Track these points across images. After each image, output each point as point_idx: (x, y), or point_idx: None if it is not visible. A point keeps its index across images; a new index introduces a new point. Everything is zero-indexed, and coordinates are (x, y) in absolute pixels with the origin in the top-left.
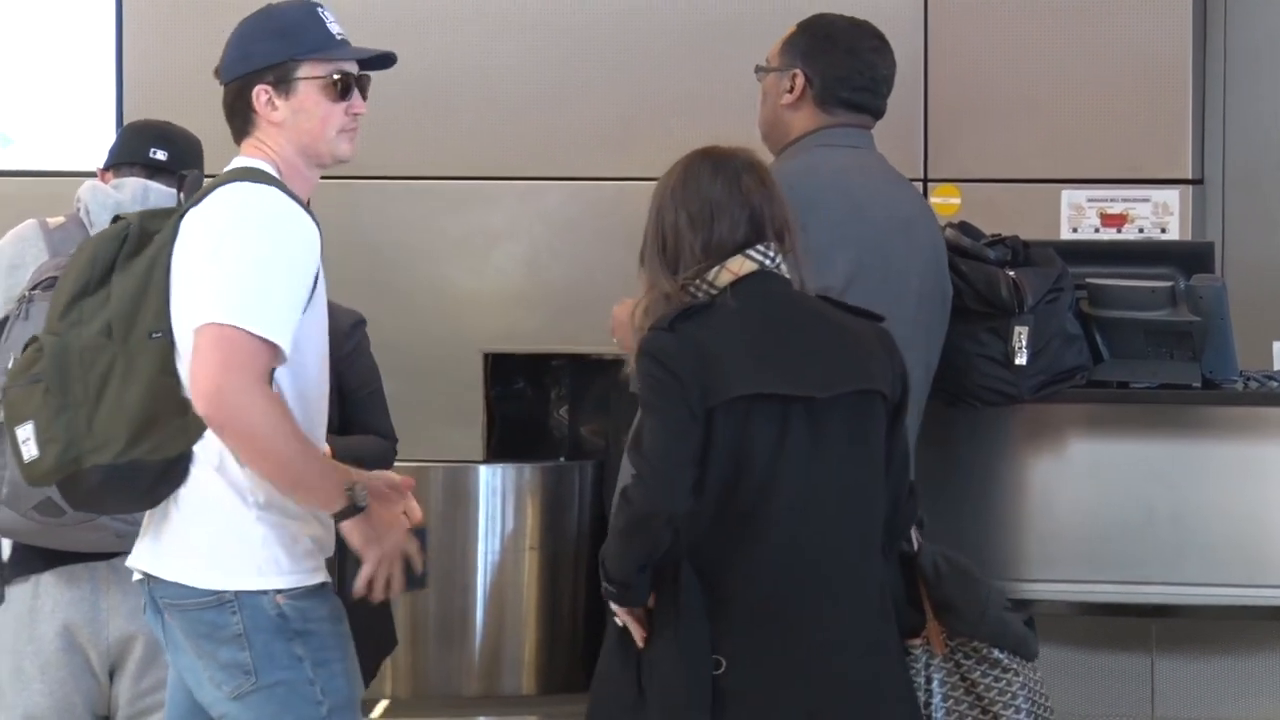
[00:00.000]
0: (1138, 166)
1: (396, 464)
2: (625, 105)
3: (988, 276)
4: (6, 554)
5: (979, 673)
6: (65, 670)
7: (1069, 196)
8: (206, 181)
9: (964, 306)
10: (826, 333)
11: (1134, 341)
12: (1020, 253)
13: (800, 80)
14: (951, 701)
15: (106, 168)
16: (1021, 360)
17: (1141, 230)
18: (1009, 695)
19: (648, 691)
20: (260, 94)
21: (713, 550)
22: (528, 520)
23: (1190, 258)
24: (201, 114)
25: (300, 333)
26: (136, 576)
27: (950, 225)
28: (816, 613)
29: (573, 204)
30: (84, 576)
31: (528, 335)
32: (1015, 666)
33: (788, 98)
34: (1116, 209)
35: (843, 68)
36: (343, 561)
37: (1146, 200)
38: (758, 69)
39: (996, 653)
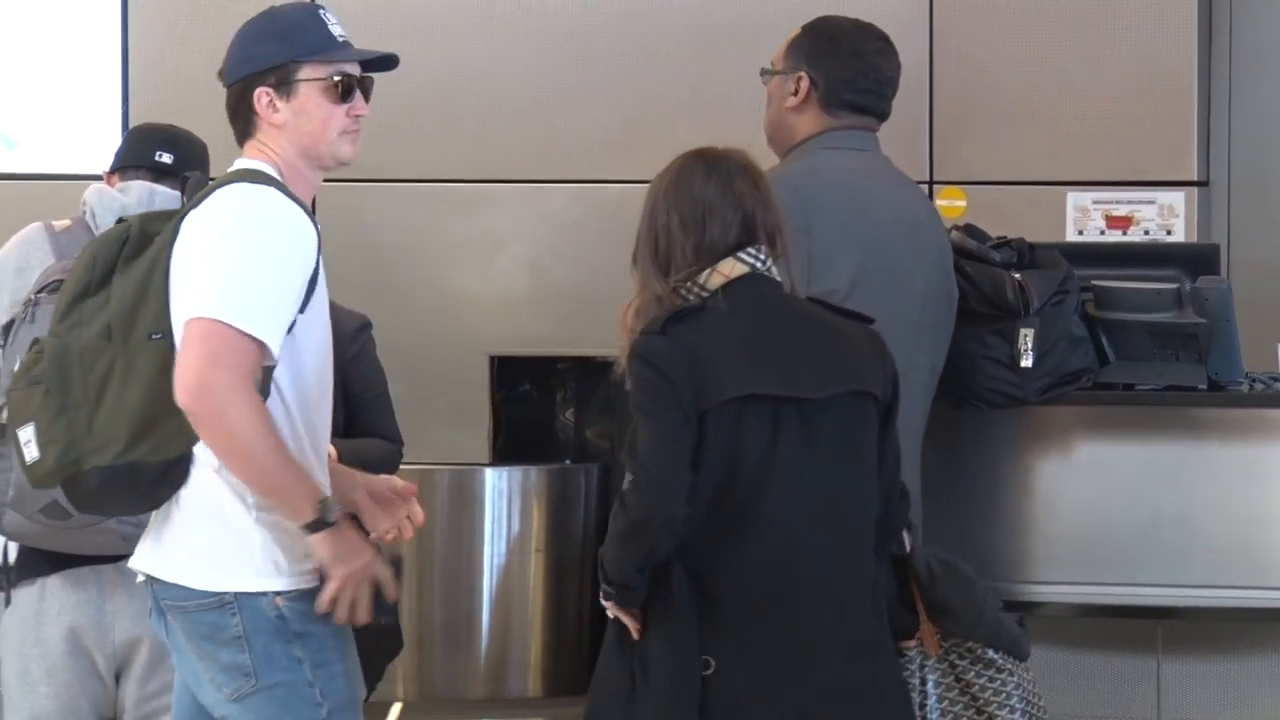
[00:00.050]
0: (1143, 169)
1: (402, 467)
2: (629, 108)
3: (993, 279)
4: (13, 557)
5: (974, 673)
6: (71, 673)
7: (1074, 199)
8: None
9: (969, 309)
10: (817, 334)
11: (1139, 344)
12: (1025, 255)
13: (805, 83)
14: (946, 703)
15: (112, 171)
16: (1027, 362)
17: (1147, 232)
18: (1004, 695)
19: (639, 690)
20: (261, 96)
21: (704, 551)
22: (533, 522)
23: (1195, 260)
24: (207, 117)
25: (299, 332)
26: (140, 578)
27: (955, 228)
28: (808, 614)
29: (577, 206)
30: (90, 579)
31: (533, 338)
32: (1009, 667)
33: (792, 100)
34: (1122, 211)
35: (847, 70)
36: None
37: (1152, 202)
38: (762, 72)
39: (991, 653)
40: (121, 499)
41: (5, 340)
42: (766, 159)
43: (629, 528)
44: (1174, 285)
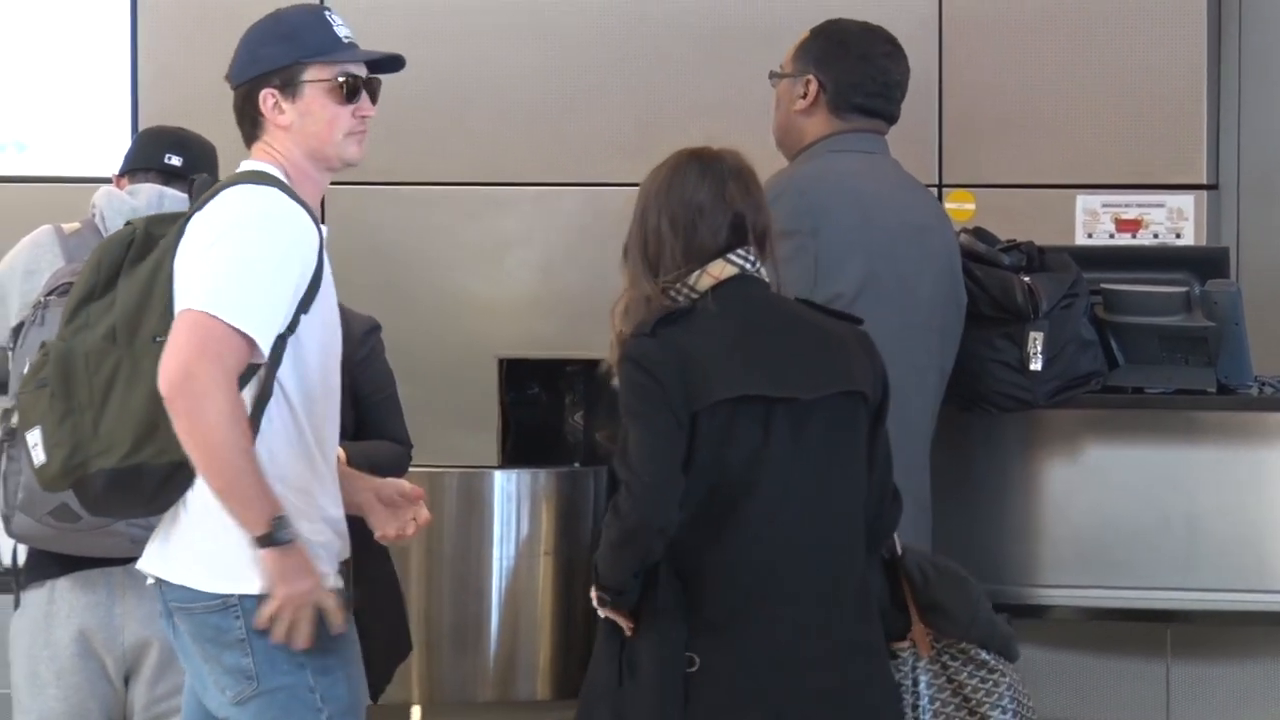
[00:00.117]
0: (1152, 172)
1: (411, 469)
2: (640, 111)
3: (1003, 282)
4: (22, 559)
5: (966, 674)
6: (80, 676)
7: (1084, 202)
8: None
9: (979, 312)
10: (807, 335)
11: (1149, 347)
12: (1035, 258)
13: (814, 86)
14: (939, 704)
15: (122, 174)
16: (1036, 366)
17: (1156, 235)
18: (996, 696)
19: (626, 686)
20: (267, 98)
21: (693, 550)
22: (542, 525)
23: (1205, 263)
24: (216, 120)
25: (303, 332)
26: (149, 580)
27: (965, 231)
28: (796, 613)
29: (587, 210)
30: (99, 582)
31: (542, 341)
32: (1001, 667)
33: (801, 103)
34: (1131, 214)
35: (856, 73)
36: (355, 566)
37: (1161, 205)
38: (771, 75)
39: (983, 654)
40: (127, 502)
41: (15, 343)
42: (775, 162)
43: (623, 535)
44: (1183, 288)
